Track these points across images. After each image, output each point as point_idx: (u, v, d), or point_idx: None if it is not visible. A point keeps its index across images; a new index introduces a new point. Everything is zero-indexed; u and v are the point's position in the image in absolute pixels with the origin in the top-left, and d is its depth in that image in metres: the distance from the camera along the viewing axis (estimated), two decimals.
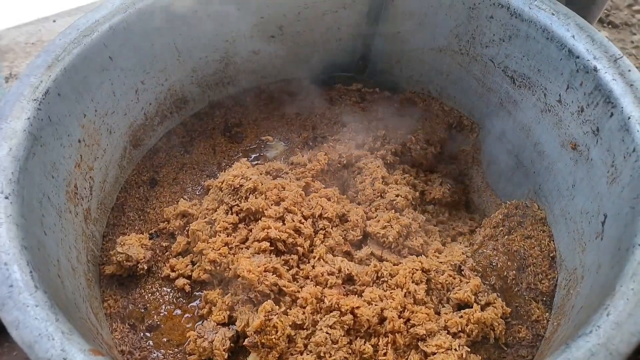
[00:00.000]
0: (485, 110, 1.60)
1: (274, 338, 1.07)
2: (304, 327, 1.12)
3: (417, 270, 1.20)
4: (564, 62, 1.26)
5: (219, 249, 1.25)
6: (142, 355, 1.19)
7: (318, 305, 1.12)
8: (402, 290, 1.16)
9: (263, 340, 1.08)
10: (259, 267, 1.15)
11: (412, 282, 1.18)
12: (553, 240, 1.36)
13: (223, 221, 1.28)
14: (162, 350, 1.20)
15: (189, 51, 1.56)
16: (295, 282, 1.17)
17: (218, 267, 1.25)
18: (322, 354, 1.08)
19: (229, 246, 1.26)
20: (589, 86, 1.20)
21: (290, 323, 1.10)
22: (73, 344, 0.76)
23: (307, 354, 1.09)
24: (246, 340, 1.10)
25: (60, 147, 1.19)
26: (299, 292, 1.14)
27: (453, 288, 1.22)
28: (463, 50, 1.54)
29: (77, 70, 1.24)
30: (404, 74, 1.74)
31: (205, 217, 1.34)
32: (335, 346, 1.08)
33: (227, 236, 1.28)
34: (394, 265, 1.23)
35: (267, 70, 1.74)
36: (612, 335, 0.78)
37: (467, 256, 1.34)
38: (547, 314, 1.24)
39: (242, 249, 1.25)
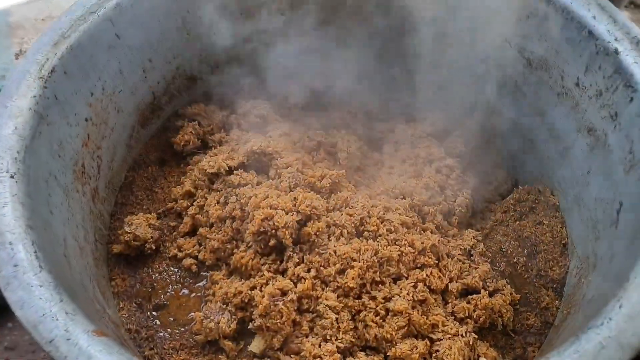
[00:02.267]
0: (499, 92, 1.55)
1: (279, 322, 1.07)
2: (310, 310, 1.11)
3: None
4: (584, 43, 1.21)
5: (219, 238, 1.25)
6: (149, 334, 1.20)
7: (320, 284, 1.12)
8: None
9: (268, 324, 1.07)
10: (253, 259, 1.16)
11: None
12: (565, 227, 1.34)
13: (214, 210, 1.28)
14: (168, 330, 1.21)
15: (197, 29, 1.53)
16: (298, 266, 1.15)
17: (222, 254, 1.25)
18: (328, 337, 1.08)
19: (228, 235, 1.25)
20: (608, 69, 1.16)
21: (296, 308, 1.10)
22: (77, 325, 0.76)
23: (313, 337, 1.09)
24: (251, 323, 1.10)
25: (67, 125, 1.18)
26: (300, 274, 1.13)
27: (461, 273, 1.20)
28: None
29: (84, 48, 1.22)
30: None
31: (199, 202, 1.34)
32: (342, 329, 1.08)
33: (223, 223, 1.27)
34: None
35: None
36: (624, 328, 0.76)
37: (477, 240, 1.32)
38: (557, 301, 1.22)
39: (237, 240, 1.25)
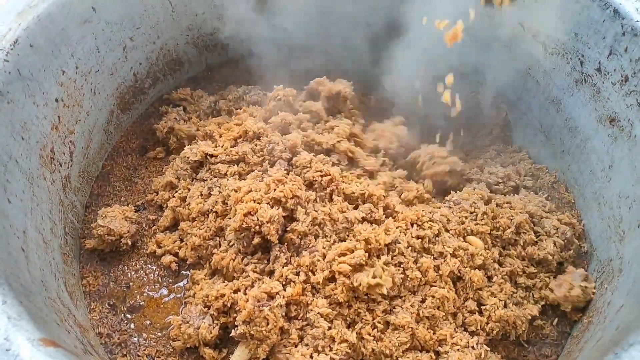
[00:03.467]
0: (509, 81, 1.44)
1: (265, 330, 0.95)
2: (299, 317, 0.99)
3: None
4: (608, 24, 1.10)
5: (200, 235, 1.13)
6: (122, 338, 1.07)
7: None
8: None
9: (252, 332, 0.95)
10: (234, 260, 1.05)
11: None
12: (583, 228, 1.22)
13: (195, 204, 1.17)
14: (144, 334, 1.08)
15: (184, 6, 1.41)
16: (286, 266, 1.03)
17: (204, 252, 1.13)
18: (320, 348, 0.96)
19: (210, 231, 1.13)
20: (636, 52, 1.05)
21: (284, 314, 0.97)
22: (20, 332, 0.64)
23: (303, 347, 0.96)
24: (233, 330, 0.98)
25: (32, 105, 1.06)
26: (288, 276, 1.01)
27: (482, 289, 1.07)
28: (488, 13, 1.37)
29: (54, 20, 1.10)
30: None
31: (181, 194, 1.23)
32: (336, 339, 0.95)
33: (206, 218, 1.16)
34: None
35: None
36: None
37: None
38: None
39: (220, 237, 1.13)
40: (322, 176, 1.12)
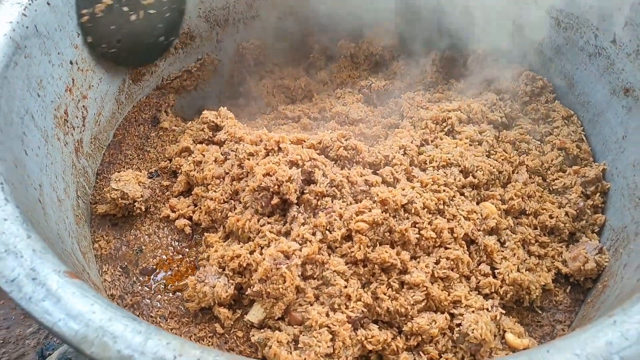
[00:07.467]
0: (518, 61, 1.44)
1: (281, 288, 0.94)
2: (315, 276, 0.99)
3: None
4: None
5: (215, 198, 1.13)
6: (134, 300, 1.07)
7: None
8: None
9: (268, 290, 0.95)
10: (250, 220, 1.05)
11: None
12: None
13: (208, 170, 1.16)
14: (157, 296, 1.08)
15: None
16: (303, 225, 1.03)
17: (219, 214, 1.12)
18: (336, 306, 0.95)
19: (226, 194, 1.13)
20: None
21: (300, 273, 0.97)
22: (46, 264, 0.63)
23: (319, 305, 0.96)
24: (249, 289, 0.97)
25: (48, 63, 1.05)
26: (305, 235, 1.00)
27: (494, 254, 1.06)
28: None
29: None
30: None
31: (195, 157, 1.22)
32: (352, 297, 0.95)
33: (221, 181, 1.16)
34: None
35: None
36: None
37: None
38: None
39: (235, 201, 1.13)
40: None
